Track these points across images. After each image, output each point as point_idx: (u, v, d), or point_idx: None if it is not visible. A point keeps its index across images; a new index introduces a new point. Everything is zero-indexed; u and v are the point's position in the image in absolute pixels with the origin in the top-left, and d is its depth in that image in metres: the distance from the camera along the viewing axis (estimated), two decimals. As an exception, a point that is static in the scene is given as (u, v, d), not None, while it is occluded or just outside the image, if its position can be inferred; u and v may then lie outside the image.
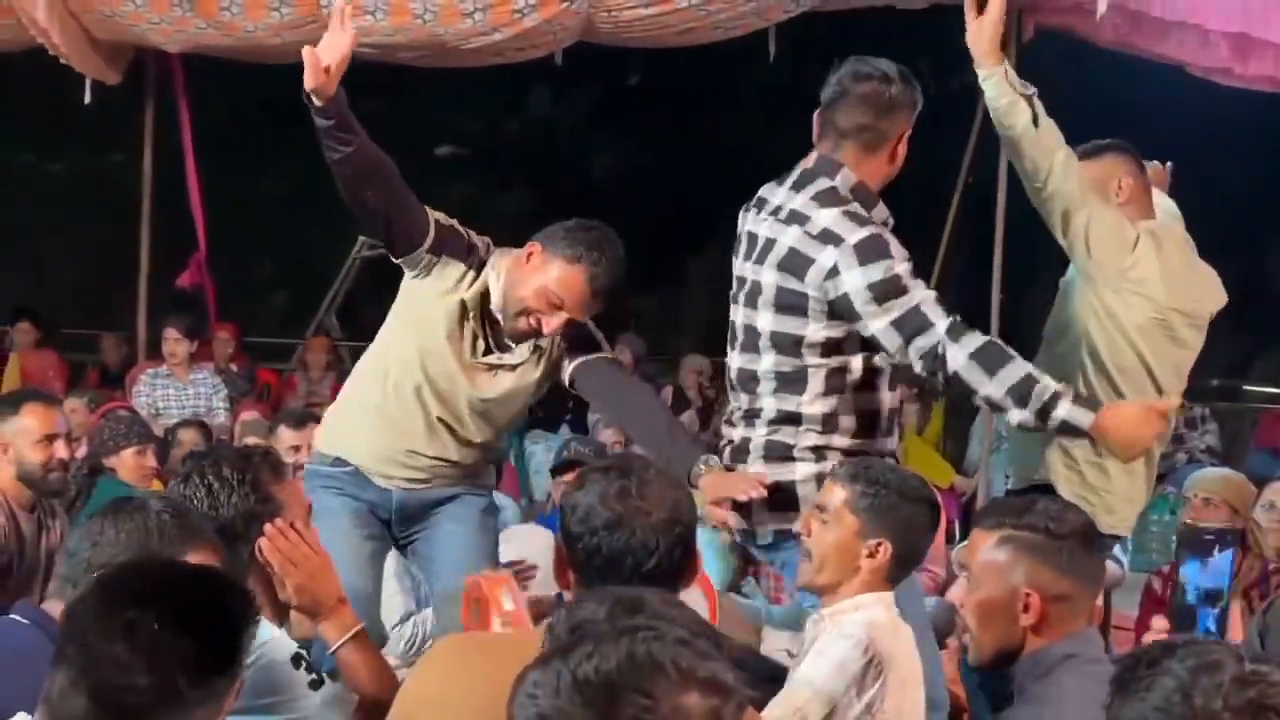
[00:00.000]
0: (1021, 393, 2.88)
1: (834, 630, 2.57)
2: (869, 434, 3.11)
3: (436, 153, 13.75)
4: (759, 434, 3.12)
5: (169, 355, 7.46)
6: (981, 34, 3.18)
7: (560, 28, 6.98)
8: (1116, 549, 5.23)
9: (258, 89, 10.88)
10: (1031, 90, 3.29)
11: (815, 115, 3.14)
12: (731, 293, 3.22)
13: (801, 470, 3.07)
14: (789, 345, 3.05)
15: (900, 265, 2.96)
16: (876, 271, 2.93)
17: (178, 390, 7.40)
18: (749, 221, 3.19)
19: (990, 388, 2.89)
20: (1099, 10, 6.35)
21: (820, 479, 3.02)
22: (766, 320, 3.07)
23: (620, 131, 12.82)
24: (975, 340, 2.93)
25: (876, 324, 2.93)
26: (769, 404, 3.10)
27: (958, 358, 2.90)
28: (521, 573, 3.91)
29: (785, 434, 3.09)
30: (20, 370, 8.13)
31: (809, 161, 3.13)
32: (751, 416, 3.14)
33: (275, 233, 13.43)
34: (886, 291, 2.93)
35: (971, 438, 8.28)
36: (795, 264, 3.01)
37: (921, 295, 2.95)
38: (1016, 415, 2.90)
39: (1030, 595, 2.24)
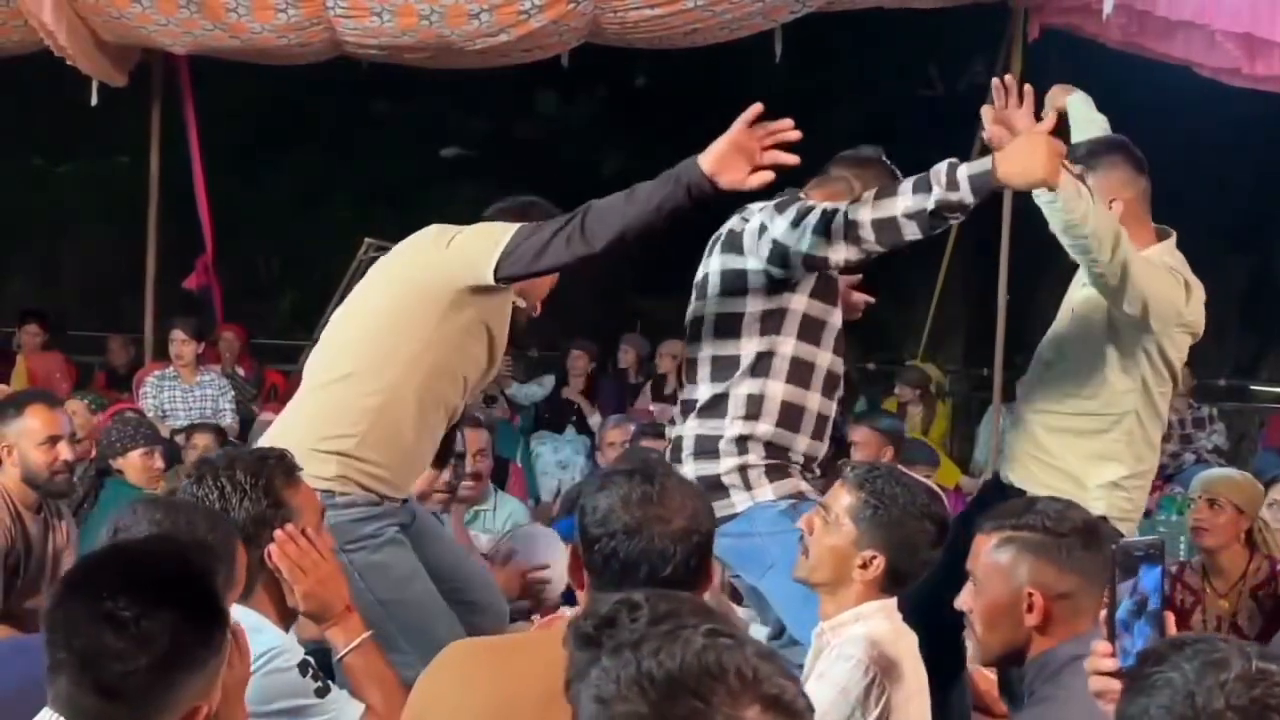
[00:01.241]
0: (923, 182, 2.93)
1: (836, 649, 2.55)
2: (792, 427, 3.20)
3: (442, 154, 13.75)
4: (689, 429, 3.24)
5: (176, 357, 7.45)
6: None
7: (566, 29, 7.00)
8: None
9: (264, 90, 10.92)
10: (1078, 168, 3.23)
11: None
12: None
13: (725, 464, 3.17)
14: (728, 327, 3.20)
15: (813, 200, 3.12)
16: (791, 212, 3.06)
17: (184, 392, 7.41)
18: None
19: (900, 200, 2.94)
20: (1105, 10, 6.36)
21: (742, 470, 3.16)
22: (712, 306, 3.23)
23: (626, 132, 12.82)
24: (867, 194, 3.02)
25: (804, 243, 3.01)
26: (703, 391, 3.23)
27: (864, 209, 2.98)
28: (538, 581, 3.89)
29: (712, 425, 3.19)
30: (27, 372, 8.15)
31: None
32: (688, 409, 3.27)
33: (282, 234, 13.44)
34: (798, 216, 3.04)
35: (978, 438, 8.29)
36: (732, 241, 3.20)
37: (824, 206, 3.05)
38: (930, 199, 2.90)
39: (1034, 595, 2.24)
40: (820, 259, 3.05)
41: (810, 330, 3.21)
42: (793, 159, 2.87)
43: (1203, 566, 4.38)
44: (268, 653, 2.30)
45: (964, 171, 2.89)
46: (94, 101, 7.51)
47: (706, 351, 3.24)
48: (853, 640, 2.53)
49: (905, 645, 2.58)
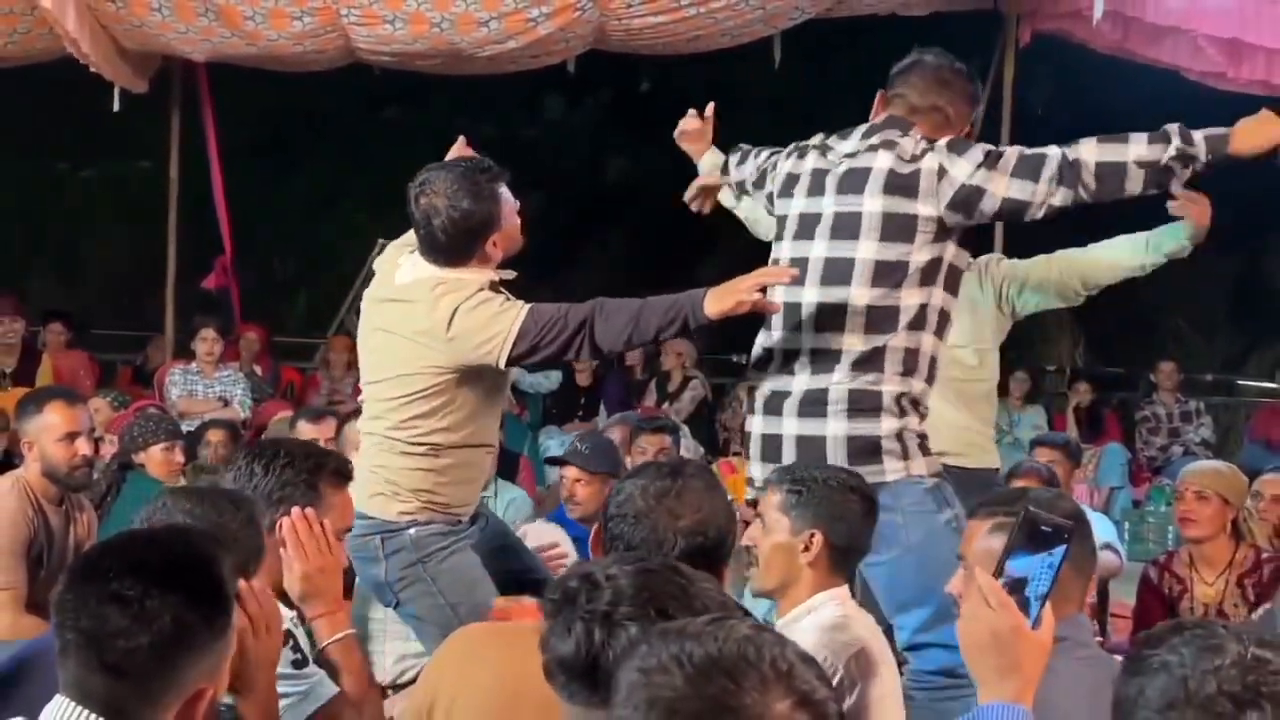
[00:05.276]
0: (1158, 135, 2.89)
1: None
2: (933, 381, 3.10)
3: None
4: (837, 382, 3.02)
5: (205, 353, 7.56)
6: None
7: (573, 36, 7.12)
8: (1115, 540, 5.33)
9: (280, 96, 11.07)
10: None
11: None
12: (776, 233, 3.20)
13: (886, 424, 3.01)
14: (889, 275, 2.99)
15: (988, 146, 3.01)
16: (975, 153, 2.96)
17: (205, 387, 7.57)
18: (810, 161, 3.16)
19: (1134, 148, 2.88)
20: (1095, 16, 6.47)
21: (900, 436, 3.01)
22: (869, 249, 2.99)
23: (631, 136, 12.92)
24: (1088, 139, 2.92)
25: (1001, 185, 2.91)
26: (853, 342, 3.01)
27: (1087, 149, 2.89)
28: (552, 559, 4.01)
29: (869, 380, 3.01)
30: (52, 370, 8.24)
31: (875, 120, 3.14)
32: (825, 360, 3.04)
33: (297, 235, 13.58)
34: (990, 158, 2.94)
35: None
36: (900, 183, 2.98)
37: (1018, 148, 2.97)
38: (1167, 150, 2.86)
39: None
40: (1022, 203, 2.92)
41: (953, 280, 3.08)
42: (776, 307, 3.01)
43: (1190, 555, 4.43)
44: None
45: (1199, 132, 2.87)
46: (116, 107, 7.64)
47: (860, 299, 3.00)
48: (801, 632, 2.53)
49: (854, 631, 2.60)
